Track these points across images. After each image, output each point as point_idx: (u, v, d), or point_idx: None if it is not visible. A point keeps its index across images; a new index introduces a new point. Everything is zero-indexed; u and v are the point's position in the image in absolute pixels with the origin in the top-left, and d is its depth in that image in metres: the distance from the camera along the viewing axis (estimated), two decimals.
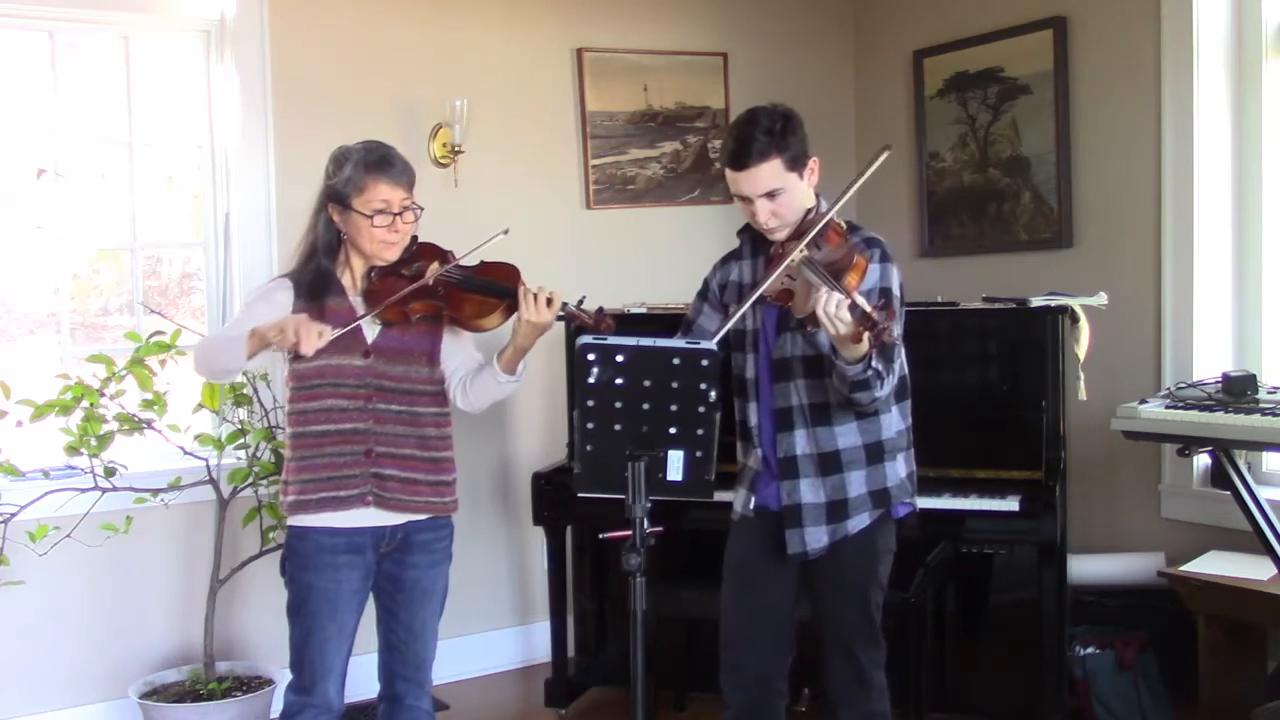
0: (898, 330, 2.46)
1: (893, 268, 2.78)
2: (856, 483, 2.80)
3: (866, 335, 2.41)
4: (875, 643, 2.88)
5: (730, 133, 2.80)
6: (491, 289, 2.86)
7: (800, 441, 2.80)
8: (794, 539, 2.81)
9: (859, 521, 2.81)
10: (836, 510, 2.80)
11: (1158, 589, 3.86)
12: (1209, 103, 4.03)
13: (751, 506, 2.92)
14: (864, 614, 2.85)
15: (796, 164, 2.75)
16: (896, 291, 2.77)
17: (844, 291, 2.44)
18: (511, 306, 2.85)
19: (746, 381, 2.90)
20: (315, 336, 2.65)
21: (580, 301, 2.89)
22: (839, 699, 2.89)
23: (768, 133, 2.71)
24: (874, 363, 2.55)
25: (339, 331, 2.73)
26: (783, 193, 2.75)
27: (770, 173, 2.72)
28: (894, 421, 2.85)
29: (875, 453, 2.82)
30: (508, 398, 3.00)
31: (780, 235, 2.78)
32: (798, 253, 2.62)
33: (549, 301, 2.81)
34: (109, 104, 4.15)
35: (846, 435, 2.80)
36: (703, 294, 3.05)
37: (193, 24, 4.20)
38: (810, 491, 2.80)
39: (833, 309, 2.42)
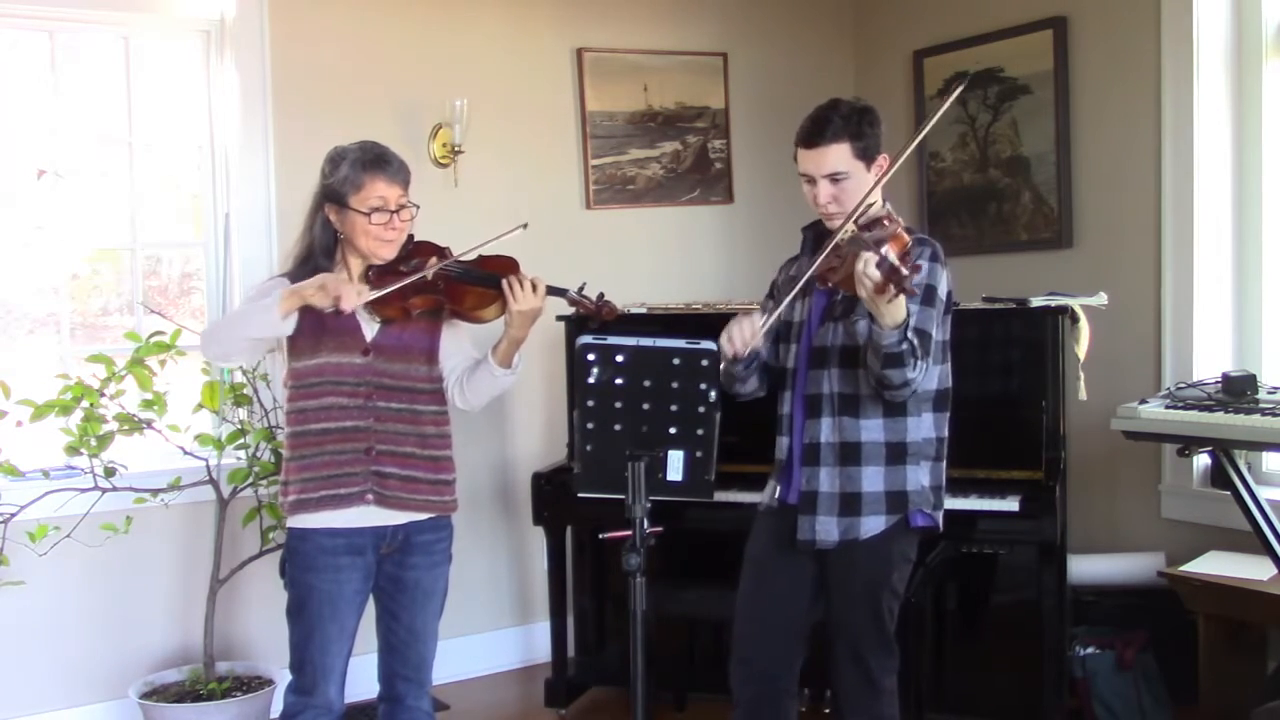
0: (918, 278, 2.52)
1: (940, 269, 2.80)
2: (872, 479, 2.80)
3: (892, 288, 2.43)
4: (886, 649, 2.86)
5: (809, 115, 2.85)
6: (491, 280, 2.87)
7: (825, 429, 2.82)
8: (804, 526, 2.82)
9: (874, 524, 2.80)
10: (849, 503, 2.80)
11: (1158, 589, 3.85)
12: (1209, 103, 4.03)
13: (775, 497, 2.93)
14: (874, 618, 2.84)
15: (866, 155, 2.80)
16: (942, 294, 2.80)
17: (876, 251, 2.47)
18: None
19: (787, 371, 2.92)
20: (355, 295, 2.68)
21: (581, 288, 2.92)
22: (846, 702, 2.88)
23: (845, 118, 2.79)
24: (909, 334, 2.59)
25: (378, 292, 2.74)
26: (847, 179, 2.79)
27: (837, 155, 2.78)
28: (924, 427, 2.84)
29: (897, 453, 2.81)
30: (506, 396, 3.01)
31: (838, 223, 2.81)
32: (847, 231, 2.67)
33: (534, 287, 2.83)
34: (109, 104, 4.15)
35: (870, 430, 2.80)
36: (770, 294, 3.10)
37: (193, 24, 4.21)
38: (827, 480, 2.82)
39: (861, 266, 2.46)
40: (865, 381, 2.76)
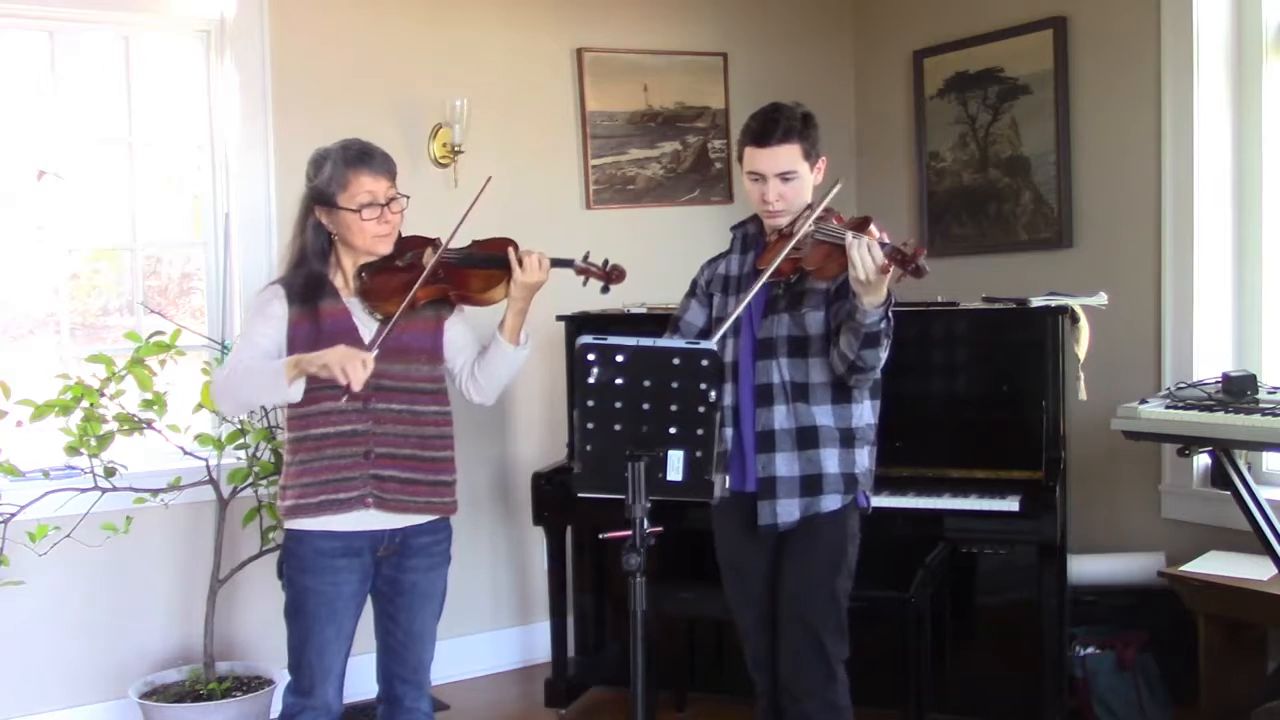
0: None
1: None
2: (831, 461, 2.89)
3: (894, 270, 2.57)
4: (841, 634, 2.94)
5: (754, 117, 2.97)
6: (493, 261, 2.89)
7: (780, 416, 2.89)
8: (765, 511, 2.89)
9: (833, 502, 2.90)
10: (810, 485, 2.88)
11: (1158, 589, 3.86)
12: (1209, 103, 4.03)
13: (728, 487, 2.98)
14: (831, 595, 2.91)
15: (810, 156, 2.93)
16: None
17: (872, 236, 2.63)
18: None
19: (726, 365, 2.97)
20: (361, 368, 2.63)
21: (586, 256, 2.94)
22: (805, 688, 2.92)
23: (791, 119, 2.91)
24: (889, 311, 2.70)
25: (375, 351, 2.71)
26: (795, 178, 2.90)
27: (789, 154, 2.90)
28: (865, 413, 2.96)
29: (848, 437, 2.92)
30: (506, 395, 3.00)
31: (781, 221, 2.92)
32: (809, 224, 2.80)
33: (539, 262, 2.85)
34: (109, 104, 4.15)
35: (823, 415, 2.90)
36: (691, 292, 3.16)
37: (193, 24, 4.20)
38: (785, 465, 2.88)
39: (864, 247, 2.60)
40: (815, 370, 2.87)
